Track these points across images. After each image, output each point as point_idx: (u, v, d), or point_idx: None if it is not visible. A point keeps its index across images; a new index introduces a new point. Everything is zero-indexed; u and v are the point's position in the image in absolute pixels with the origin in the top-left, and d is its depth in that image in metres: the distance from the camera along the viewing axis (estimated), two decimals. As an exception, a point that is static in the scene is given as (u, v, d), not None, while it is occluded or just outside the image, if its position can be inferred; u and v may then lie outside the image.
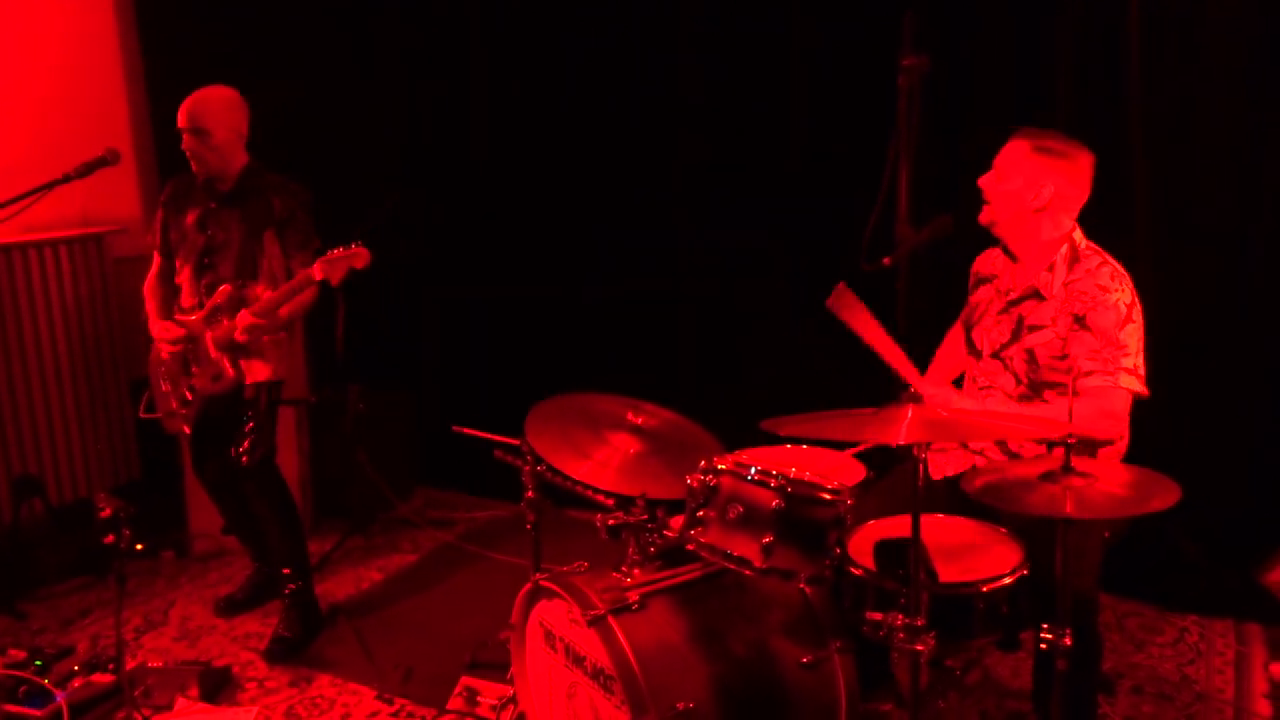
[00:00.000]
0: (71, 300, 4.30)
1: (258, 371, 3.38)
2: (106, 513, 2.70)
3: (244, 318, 3.20)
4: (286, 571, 3.45)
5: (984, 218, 2.66)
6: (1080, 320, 2.48)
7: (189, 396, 3.43)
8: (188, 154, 3.31)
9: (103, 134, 3.16)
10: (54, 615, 3.68)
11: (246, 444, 3.34)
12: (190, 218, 3.38)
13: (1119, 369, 2.45)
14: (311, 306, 3.38)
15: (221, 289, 3.29)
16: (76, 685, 3.02)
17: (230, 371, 3.33)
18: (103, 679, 3.06)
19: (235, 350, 3.33)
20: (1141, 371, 2.48)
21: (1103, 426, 2.43)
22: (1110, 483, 2.03)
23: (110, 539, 2.68)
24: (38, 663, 3.08)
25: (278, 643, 3.36)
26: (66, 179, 3.11)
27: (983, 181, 2.64)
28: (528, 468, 2.76)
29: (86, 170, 3.15)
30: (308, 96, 4.63)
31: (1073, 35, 3.33)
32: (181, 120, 3.27)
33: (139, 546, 2.76)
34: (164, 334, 3.40)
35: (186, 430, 3.49)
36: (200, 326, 3.35)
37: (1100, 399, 2.44)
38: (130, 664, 3.23)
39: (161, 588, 3.91)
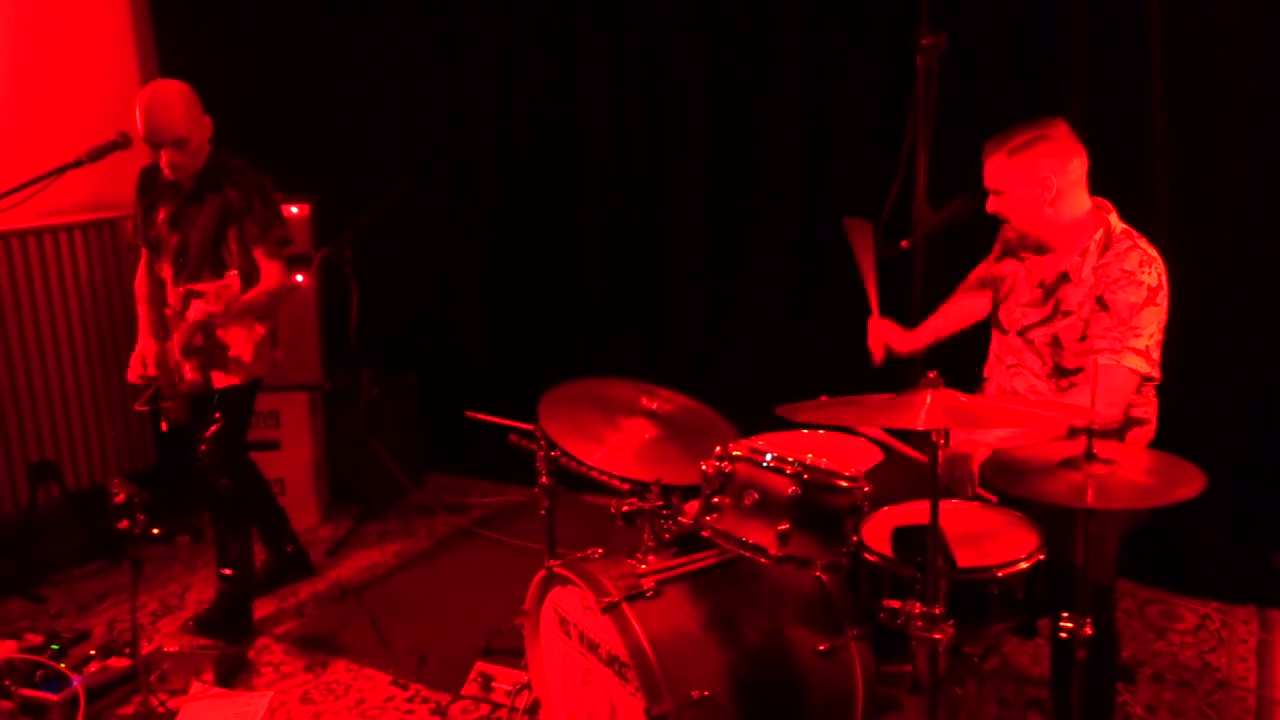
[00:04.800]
0: (86, 285, 4.30)
1: (227, 379, 3.29)
2: (121, 498, 2.70)
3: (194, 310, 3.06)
4: (228, 573, 3.37)
5: (1012, 232, 2.66)
6: (1100, 300, 2.47)
7: (166, 392, 3.35)
8: (165, 166, 3.16)
9: (115, 118, 3.14)
10: (71, 600, 3.70)
11: (208, 445, 3.27)
12: (162, 215, 3.28)
13: (1126, 348, 2.43)
14: (268, 304, 3.25)
15: (179, 292, 3.17)
16: (93, 670, 3.03)
17: (190, 375, 3.22)
18: (119, 663, 3.07)
19: (197, 354, 3.23)
20: (1155, 356, 2.46)
21: (1102, 411, 2.40)
22: (1133, 470, 1.99)
23: (124, 524, 2.69)
24: (54, 647, 3.09)
25: (195, 620, 3.34)
26: (79, 163, 3.11)
27: (991, 208, 2.60)
28: (542, 453, 2.75)
29: (99, 154, 3.14)
30: (316, 81, 4.62)
31: (1090, 7, 3.27)
32: (152, 135, 3.08)
33: (155, 531, 2.76)
34: (136, 361, 3.32)
35: (164, 427, 3.37)
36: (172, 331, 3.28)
37: (1102, 378, 2.43)
38: (146, 648, 3.23)
39: (178, 572, 3.92)
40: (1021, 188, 2.51)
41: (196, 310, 3.04)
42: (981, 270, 2.94)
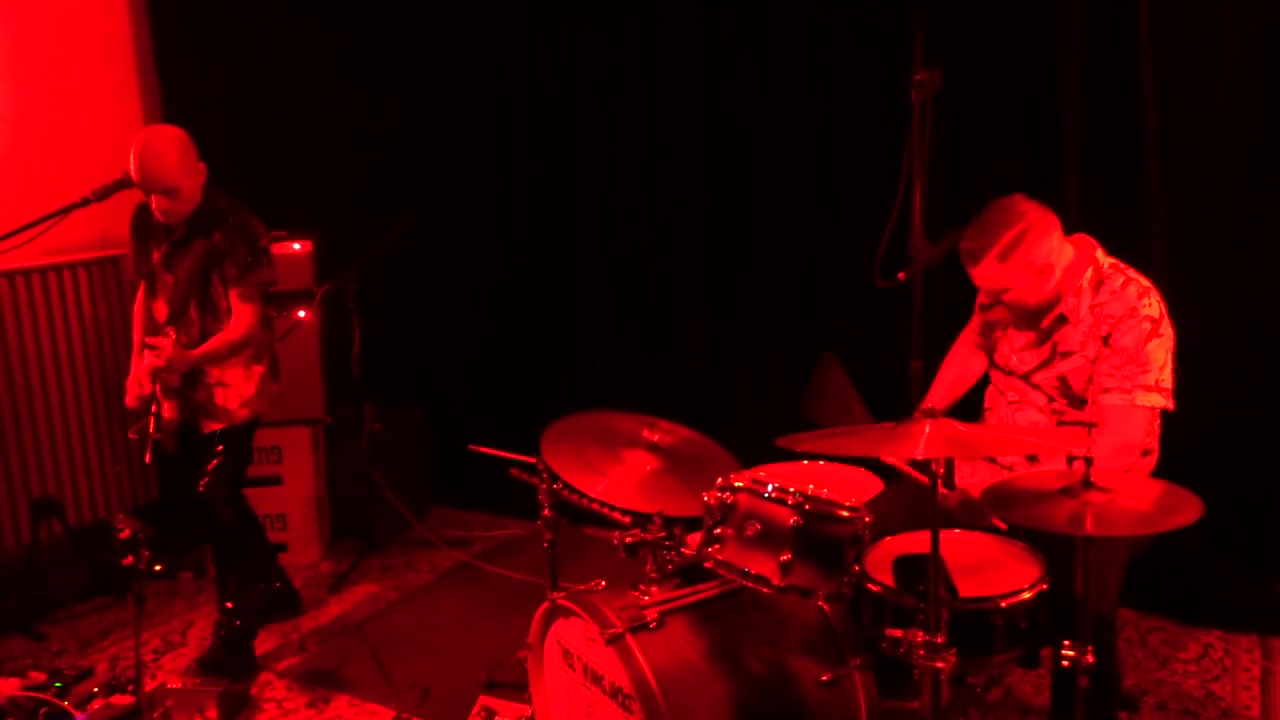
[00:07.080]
0: (89, 322, 4.32)
1: (217, 423, 3.30)
2: (125, 534, 2.71)
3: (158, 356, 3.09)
4: (229, 606, 3.38)
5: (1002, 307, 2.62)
6: (1106, 340, 2.47)
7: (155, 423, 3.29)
8: (157, 211, 3.19)
9: (120, 156, 3.17)
10: (73, 636, 3.69)
11: (205, 481, 3.26)
12: (156, 255, 3.29)
13: (1136, 386, 2.43)
14: (229, 352, 3.24)
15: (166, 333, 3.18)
16: (96, 707, 3.02)
17: (168, 414, 3.18)
18: (122, 700, 3.05)
19: (175, 395, 3.20)
20: (1166, 385, 2.46)
21: (1120, 459, 2.42)
22: (1130, 498, 2.01)
23: (129, 560, 2.69)
24: (58, 684, 3.08)
25: (197, 662, 3.33)
26: (85, 202, 3.12)
27: (1003, 306, 2.57)
28: (544, 486, 2.76)
29: (105, 193, 3.14)
30: (319, 118, 4.67)
31: (1082, 41, 3.31)
32: (145, 183, 3.09)
33: (157, 567, 2.76)
34: (133, 384, 3.28)
35: (148, 459, 3.27)
36: None
37: (1116, 422, 2.44)
38: (149, 685, 3.23)
39: (180, 608, 3.91)
40: (1025, 279, 2.48)
41: (148, 360, 3.12)
42: (972, 329, 2.90)
